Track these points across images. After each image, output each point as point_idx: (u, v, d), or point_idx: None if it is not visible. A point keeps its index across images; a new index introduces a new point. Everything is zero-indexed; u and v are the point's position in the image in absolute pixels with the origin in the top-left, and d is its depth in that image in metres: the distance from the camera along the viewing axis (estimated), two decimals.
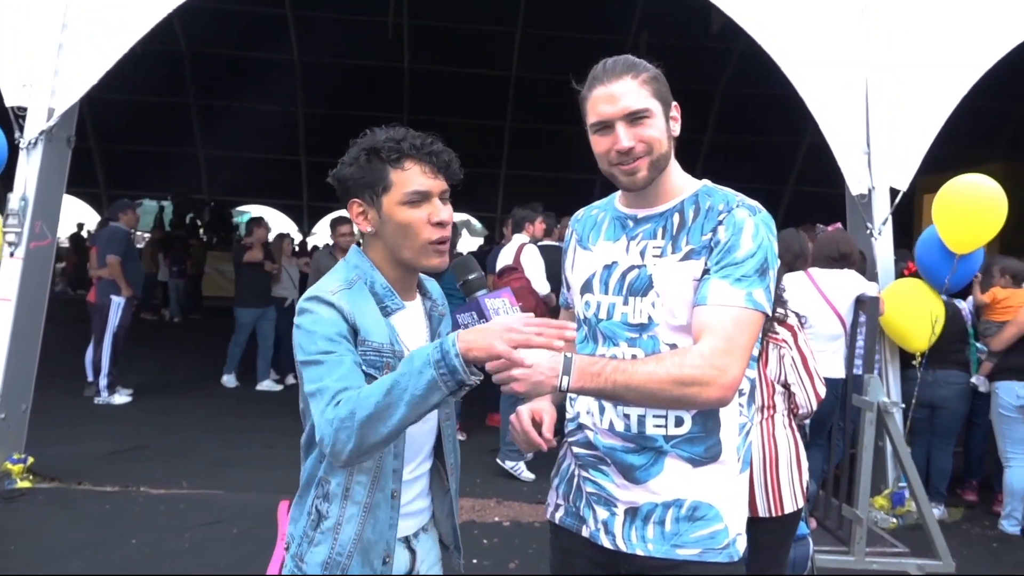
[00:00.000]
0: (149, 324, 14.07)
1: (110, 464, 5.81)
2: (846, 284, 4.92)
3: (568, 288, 2.07)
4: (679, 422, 1.78)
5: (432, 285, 2.02)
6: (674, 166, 1.88)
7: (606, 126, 1.79)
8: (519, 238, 6.51)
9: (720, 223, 1.75)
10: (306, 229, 22.85)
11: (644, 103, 1.76)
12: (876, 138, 5.84)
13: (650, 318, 1.79)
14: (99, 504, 5.02)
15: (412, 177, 1.77)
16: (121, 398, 7.84)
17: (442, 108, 16.55)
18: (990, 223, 5.31)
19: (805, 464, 3.05)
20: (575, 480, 1.94)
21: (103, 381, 7.75)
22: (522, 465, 5.98)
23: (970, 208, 5.30)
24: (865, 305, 4.70)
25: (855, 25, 5.93)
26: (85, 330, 8.09)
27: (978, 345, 5.82)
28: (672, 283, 1.77)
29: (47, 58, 5.37)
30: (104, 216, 9.54)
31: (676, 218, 1.82)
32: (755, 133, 16.95)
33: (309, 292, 1.78)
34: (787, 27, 5.93)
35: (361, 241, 1.96)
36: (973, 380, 5.39)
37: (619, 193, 1.98)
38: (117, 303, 7.79)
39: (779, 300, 3.10)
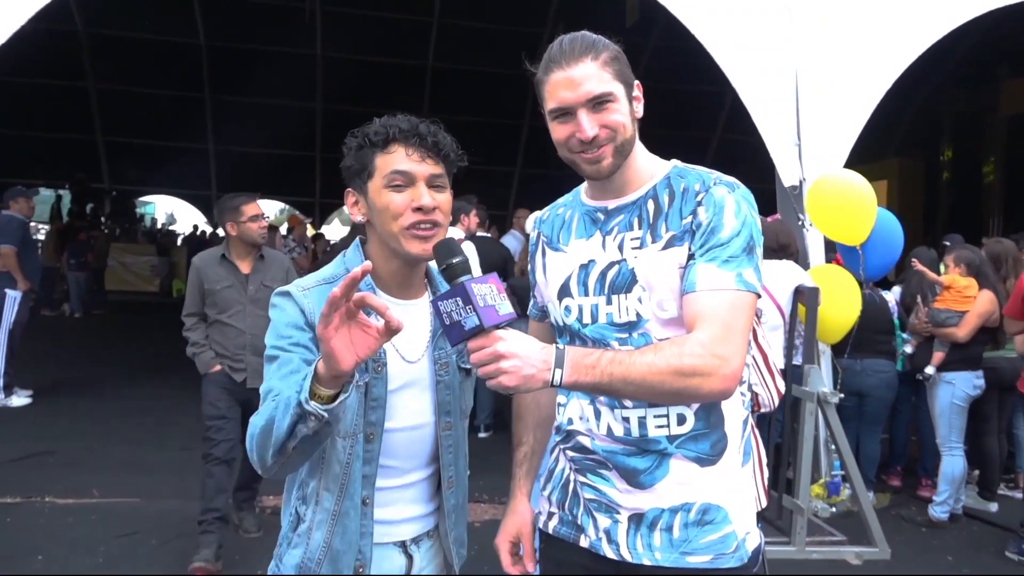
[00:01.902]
0: (49, 320, 13.27)
1: (10, 473, 5.37)
2: (785, 275, 4.92)
3: (540, 296, 1.91)
4: (681, 420, 1.66)
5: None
6: (640, 149, 1.75)
7: (566, 112, 1.64)
8: (452, 231, 6.18)
9: (700, 204, 1.63)
10: (216, 221, 22.05)
11: (606, 87, 1.62)
12: (806, 129, 5.90)
13: (638, 315, 1.66)
14: None
15: (395, 160, 1.66)
16: (20, 400, 7.31)
17: (360, 97, 16.19)
18: (864, 214, 5.33)
19: (766, 462, 2.98)
20: (571, 486, 1.79)
21: None
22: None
23: (842, 203, 5.31)
24: (804, 296, 4.71)
25: (785, 16, 5.96)
26: None
27: (904, 335, 5.94)
28: (657, 275, 1.64)
29: None
30: None
31: (651, 205, 1.69)
32: (669, 127, 17.18)
33: (287, 285, 1.71)
34: (719, 18, 5.93)
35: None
36: (927, 370, 5.41)
37: (584, 186, 1.85)
38: (13, 297, 7.24)
39: None
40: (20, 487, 5.04)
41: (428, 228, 1.66)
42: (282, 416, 1.46)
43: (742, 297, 1.58)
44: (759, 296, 1.63)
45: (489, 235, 7.07)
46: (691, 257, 1.61)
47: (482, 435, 6.73)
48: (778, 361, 4.58)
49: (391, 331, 1.43)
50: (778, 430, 5.16)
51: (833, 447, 5.21)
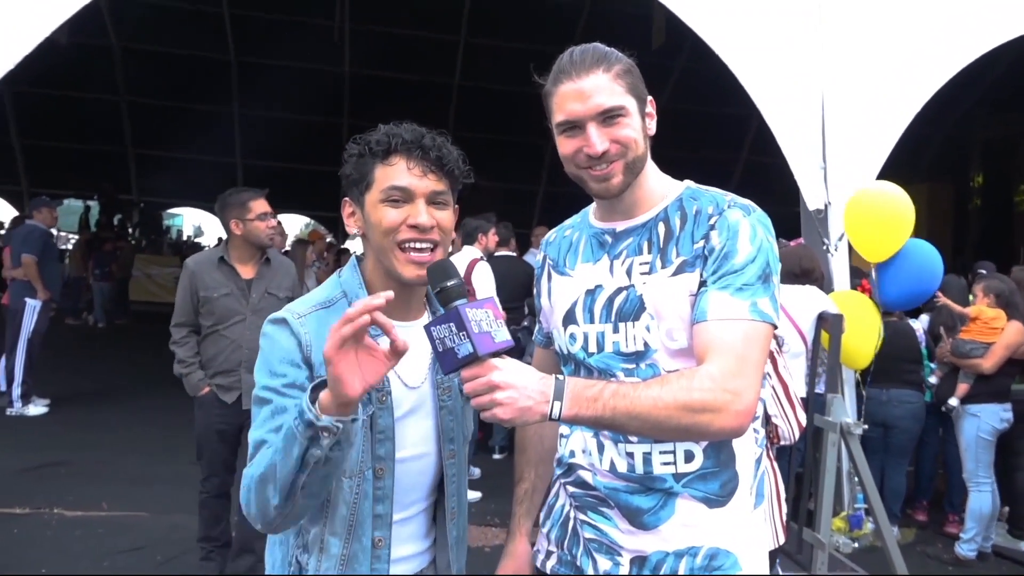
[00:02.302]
0: (72, 329, 13.35)
1: (21, 483, 5.34)
2: (808, 300, 4.79)
3: (546, 322, 1.82)
4: (689, 457, 1.56)
5: None
6: (652, 168, 1.66)
7: (575, 126, 1.56)
8: (470, 251, 5.97)
9: (712, 228, 1.55)
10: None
11: (618, 100, 1.55)
12: (832, 153, 5.78)
13: (646, 344, 1.57)
14: (6, 528, 4.57)
15: (394, 173, 1.56)
16: (36, 409, 7.32)
17: (382, 114, 16.15)
18: (900, 229, 5.19)
19: (784, 497, 2.87)
20: (571, 524, 1.69)
21: (16, 391, 7.21)
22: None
23: (881, 215, 5.18)
24: (828, 323, 4.58)
25: (811, 39, 5.87)
26: (1, 336, 7.53)
27: (931, 366, 5.79)
28: (666, 302, 1.55)
29: None
30: (19, 215, 8.98)
31: (661, 228, 1.61)
32: (694, 149, 17.12)
33: (280, 311, 1.57)
34: (745, 41, 5.84)
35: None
36: (951, 402, 5.27)
37: (592, 207, 1.76)
38: (32, 306, 7.28)
39: None
40: (30, 498, 5.01)
41: (424, 252, 1.56)
42: (287, 448, 1.36)
43: (757, 328, 1.49)
44: (775, 327, 1.53)
45: (513, 254, 6.97)
46: (703, 284, 1.52)
47: (496, 456, 6.63)
48: (799, 390, 4.48)
49: (398, 353, 1.35)
50: (799, 459, 5.01)
51: (856, 479, 5.05)
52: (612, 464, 1.60)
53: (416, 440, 1.63)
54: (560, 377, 1.43)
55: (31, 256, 7.26)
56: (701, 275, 1.53)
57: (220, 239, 5.11)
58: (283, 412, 1.47)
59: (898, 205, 5.10)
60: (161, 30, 16.84)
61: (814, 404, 4.63)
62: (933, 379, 5.69)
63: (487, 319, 1.39)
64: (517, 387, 1.36)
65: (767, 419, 2.86)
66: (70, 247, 17.54)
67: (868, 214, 5.17)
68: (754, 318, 1.49)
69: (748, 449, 1.61)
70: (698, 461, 1.56)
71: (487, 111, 17.43)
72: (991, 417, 5.12)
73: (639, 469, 1.57)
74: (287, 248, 8.70)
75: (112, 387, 8.74)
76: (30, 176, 19.23)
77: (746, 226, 1.54)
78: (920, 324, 5.84)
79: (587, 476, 1.64)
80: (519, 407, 1.36)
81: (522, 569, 1.78)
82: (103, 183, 18.40)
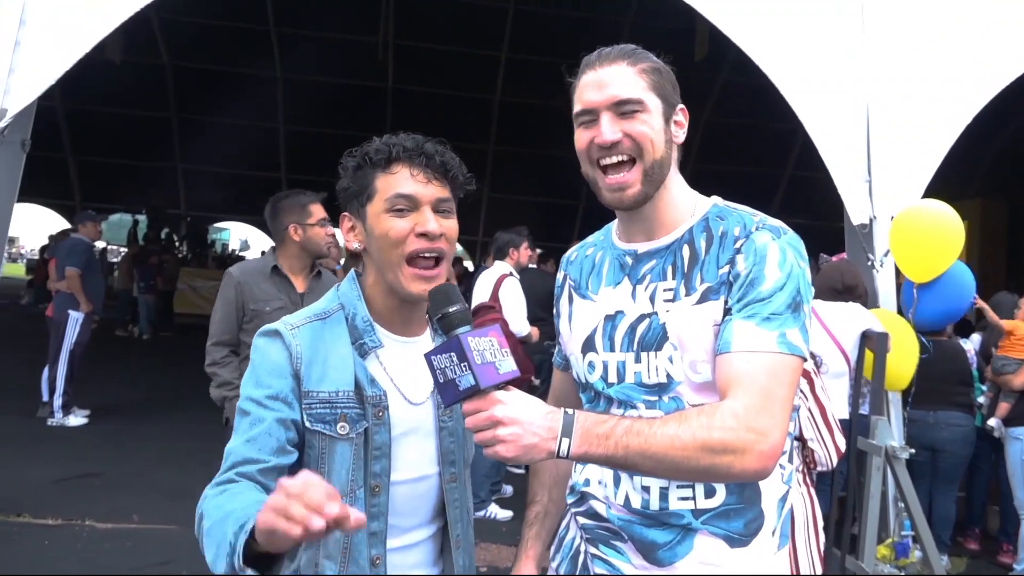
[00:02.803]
0: (117, 341, 13.58)
1: (56, 493, 5.38)
2: (851, 318, 4.62)
3: (564, 346, 1.71)
4: (710, 492, 1.44)
5: None
6: (677, 182, 1.55)
7: (591, 116, 1.47)
8: (500, 266, 5.80)
9: (738, 252, 1.43)
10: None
11: (636, 93, 1.45)
12: (878, 166, 5.60)
13: (669, 376, 1.45)
14: (38, 539, 4.59)
15: (397, 181, 1.49)
16: (76, 420, 7.40)
17: (426, 129, 16.19)
18: (949, 250, 4.98)
19: (821, 524, 2.73)
20: (581, 558, 1.59)
21: (57, 401, 7.31)
22: (494, 507, 5.61)
23: (929, 235, 4.98)
24: (873, 341, 4.40)
25: (856, 50, 5.71)
26: (46, 347, 7.61)
27: (983, 387, 5.56)
28: (689, 332, 1.44)
29: (2, 56, 5.01)
30: (65, 228, 9.18)
31: (686, 251, 1.49)
32: (737, 163, 16.88)
33: (275, 323, 1.52)
34: (788, 53, 5.71)
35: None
36: (990, 423, 5.07)
37: (615, 224, 1.65)
38: (75, 318, 7.38)
39: None
40: (62, 509, 5.03)
41: (431, 266, 1.49)
42: (218, 552, 1.25)
43: (784, 361, 1.37)
44: (805, 360, 1.41)
45: (545, 269, 6.86)
46: (727, 312, 1.41)
47: (519, 471, 6.50)
48: (841, 412, 4.31)
49: (346, 527, 1.15)
50: (842, 483, 4.82)
51: (902, 505, 4.84)
52: (627, 498, 1.49)
53: (415, 461, 1.55)
54: (569, 411, 1.32)
55: (74, 269, 7.37)
56: (726, 303, 1.42)
57: (264, 252, 5.04)
58: (258, 424, 1.43)
59: (948, 225, 4.90)
60: (210, 48, 17.18)
61: (857, 426, 4.46)
62: (983, 400, 5.46)
63: (491, 348, 1.30)
64: (522, 423, 1.27)
65: (803, 443, 2.73)
66: (118, 260, 17.92)
67: (916, 233, 4.97)
68: (782, 351, 1.37)
69: (774, 487, 1.49)
70: (719, 497, 1.44)
71: (528, 127, 17.43)
72: None
73: (654, 505, 1.46)
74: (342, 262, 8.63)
75: (152, 399, 8.83)
76: (83, 191, 19.73)
77: (775, 250, 1.42)
78: (971, 344, 5.62)
79: (600, 508, 1.54)
80: (523, 444, 1.27)
81: None
82: (152, 198, 18.79)
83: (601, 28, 15.35)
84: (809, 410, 2.72)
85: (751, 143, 16.35)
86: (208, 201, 20.46)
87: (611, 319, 1.54)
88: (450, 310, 1.34)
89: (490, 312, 5.42)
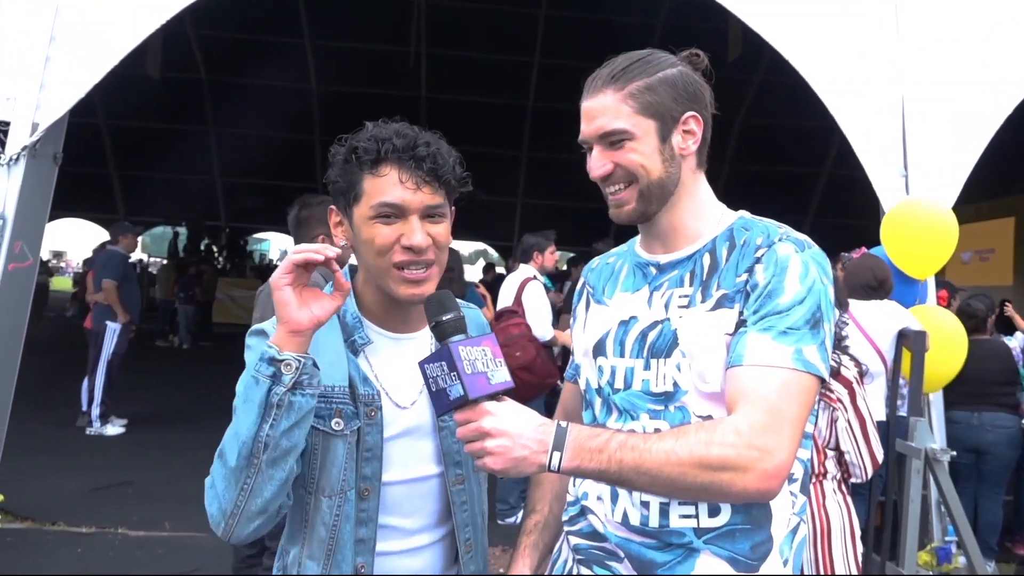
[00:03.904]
0: (157, 351, 13.80)
1: (90, 502, 5.45)
2: (886, 316, 4.49)
3: (574, 354, 1.66)
4: (714, 511, 1.36)
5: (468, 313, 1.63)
6: (696, 193, 1.49)
7: (588, 146, 1.47)
8: (525, 270, 5.69)
9: (758, 261, 1.36)
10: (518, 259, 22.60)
11: (620, 123, 1.41)
12: (914, 160, 5.45)
13: (676, 384, 1.39)
14: (71, 547, 4.65)
15: (384, 186, 1.42)
16: (114, 429, 7.50)
17: (458, 136, 16.31)
18: (942, 247, 4.81)
19: (859, 534, 2.63)
20: None
21: (95, 411, 7.42)
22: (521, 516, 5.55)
23: (920, 231, 4.83)
24: (910, 340, 4.27)
25: (890, 42, 5.58)
26: (86, 357, 7.74)
27: None
28: (700, 340, 1.37)
29: (33, 71, 5.11)
30: (103, 241, 9.38)
31: (707, 259, 1.43)
32: (774, 164, 16.65)
33: (263, 323, 1.49)
34: (820, 45, 5.59)
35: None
36: None
37: (640, 236, 1.60)
38: (112, 329, 7.50)
39: (836, 340, 2.65)
40: (96, 517, 5.10)
41: (419, 269, 1.43)
42: (248, 397, 1.32)
43: (798, 379, 1.29)
44: (822, 380, 1.33)
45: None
46: (742, 323, 1.34)
47: None
48: (877, 414, 4.18)
49: (343, 292, 1.39)
50: (880, 487, 4.69)
51: (945, 510, 4.69)
52: (625, 515, 1.42)
53: (413, 461, 1.50)
54: (563, 424, 1.27)
55: (111, 281, 7.49)
56: (741, 313, 1.35)
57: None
58: None
59: (940, 221, 4.75)
60: (246, 62, 17.43)
61: (896, 428, 4.33)
62: None
63: (483, 358, 1.26)
64: (511, 435, 1.23)
65: (840, 454, 2.64)
66: (158, 271, 18.26)
67: (906, 230, 4.83)
68: (797, 367, 1.29)
69: (784, 513, 1.40)
70: (724, 516, 1.36)
71: (562, 132, 17.37)
72: None
73: (654, 522, 1.39)
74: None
75: (189, 408, 8.92)
76: (126, 204, 20.13)
77: (796, 263, 1.35)
78: (1017, 342, 5.43)
79: (598, 524, 1.47)
80: (512, 457, 1.23)
81: None
82: (191, 210, 19.11)
83: (633, 31, 15.27)
84: (848, 422, 2.63)
85: (788, 143, 16.10)
86: (247, 212, 20.75)
87: (624, 324, 1.49)
88: (443, 319, 1.30)
89: (512, 317, 5.33)
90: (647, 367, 1.42)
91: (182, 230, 20.03)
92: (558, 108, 17.09)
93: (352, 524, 1.44)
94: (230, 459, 1.34)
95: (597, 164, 1.44)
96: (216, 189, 20.55)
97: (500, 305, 5.56)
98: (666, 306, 1.44)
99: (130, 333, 7.75)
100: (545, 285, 6.01)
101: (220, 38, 16.44)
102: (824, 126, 8.76)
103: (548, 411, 1.73)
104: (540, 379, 5.21)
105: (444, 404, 1.27)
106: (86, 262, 19.50)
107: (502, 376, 1.27)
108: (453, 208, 1.53)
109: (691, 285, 1.43)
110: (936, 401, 5.24)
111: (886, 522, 4.46)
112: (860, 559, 2.66)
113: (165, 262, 18.86)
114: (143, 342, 8.43)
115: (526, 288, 5.48)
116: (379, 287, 1.48)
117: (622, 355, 1.47)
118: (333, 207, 1.52)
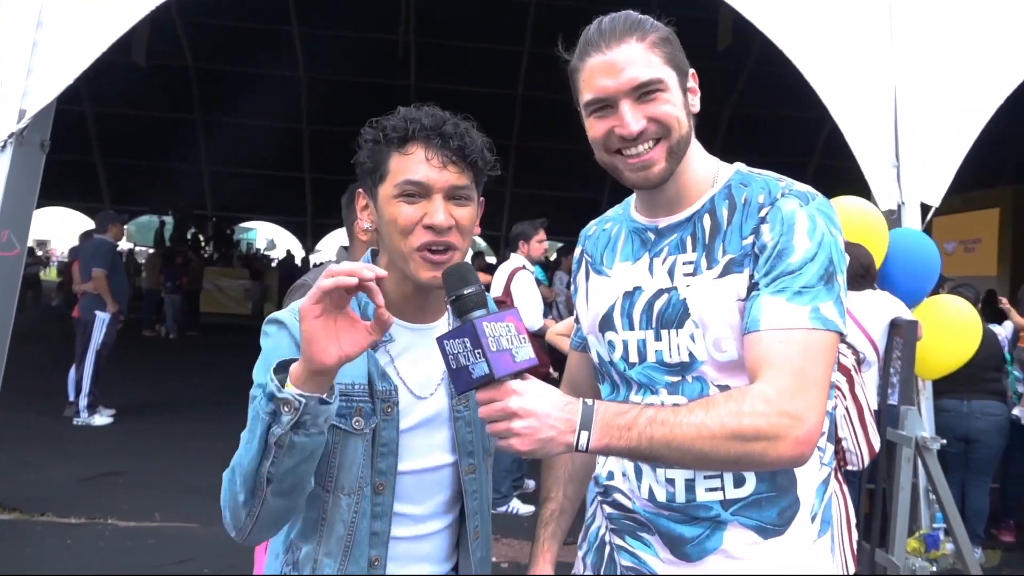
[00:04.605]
0: (144, 341, 13.72)
1: (79, 492, 5.40)
2: (878, 306, 4.50)
3: (581, 325, 1.62)
4: (739, 482, 1.35)
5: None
6: (697, 151, 1.44)
7: (606, 105, 1.36)
8: (515, 259, 5.60)
9: (763, 221, 1.32)
10: (310, 246, 22.63)
11: (655, 72, 1.33)
12: (906, 151, 5.46)
13: (691, 355, 1.36)
14: (60, 538, 4.61)
15: (410, 164, 1.38)
16: (102, 419, 7.45)
17: None
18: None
19: (855, 522, 2.63)
20: (607, 550, 1.51)
21: (83, 401, 7.36)
22: (516, 502, 5.55)
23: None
24: (902, 329, 4.28)
25: (882, 34, 5.58)
26: (73, 347, 7.68)
27: (1016, 373, 5.41)
28: (712, 308, 1.34)
29: (20, 57, 5.04)
30: (89, 230, 9.28)
31: (707, 221, 1.39)
32: (763, 154, 16.65)
33: (282, 311, 1.46)
34: (813, 37, 5.58)
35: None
36: (1015, 412, 4.94)
37: (633, 197, 1.55)
38: (102, 319, 7.43)
39: None
40: (86, 508, 5.05)
41: (440, 251, 1.39)
42: (252, 430, 1.24)
43: (819, 338, 1.27)
44: (842, 336, 1.31)
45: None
46: (754, 287, 1.31)
47: None
48: (871, 403, 4.19)
49: (383, 326, 1.23)
50: (867, 475, 4.71)
51: (934, 497, 4.72)
52: (651, 492, 1.41)
53: (428, 451, 1.49)
54: (589, 402, 1.24)
55: (101, 270, 7.41)
56: (751, 276, 1.32)
57: (344, 247, 4.92)
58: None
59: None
60: (233, 49, 17.30)
61: (887, 417, 4.35)
62: (1018, 411, 5.31)
63: (508, 334, 1.22)
64: (538, 415, 1.19)
65: (837, 441, 2.64)
66: (145, 261, 18.16)
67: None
68: (815, 326, 1.27)
69: (812, 470, 1.39)
70: (750, 486, 1.35)
71: (552, 121, 17.35)
72: None
73: (680, 497, 1.38)
74: None
75: (177, 398, 8.88)
76: (111, 193, 19.98)
77: (803, 218, 1.31)
78: (1004, 330, 5.47)
79: (626, 501, 1.47)
80: (539, 438, 1.19)
81: None
82: (178, 198, 18.99)
83: None
84: (846, 410, 2.63)
85: (777, 132, 16.14)
86: (233, 201, 20.64)
87: (629, 296, 1.45)
88: (465, 292, 1.25)
89: (501, 308, 5.29)
90: (658, 337, 1.40)
91: (168, 219, 19.87)
92: (548, 97, 17.13)
93: (368, 519, 1.42)
94: (237, 486, 1.28)
95: (634, 120, 1.33)
96: (203, 178, 20.42)
97: (491, 295, 5.51)
98: (670, 273, 1.41)
99: (119, 323, 7.69)
100: (537, 279, 5.96)
101: (207, 25, 16.29)
102: (813, 116, 8.74)
103: None
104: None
105: (466, 382, 1.22)
106: (72, 251, 19.38)
107: (526, 353, 1.23)
108: (482, 199, 1.50)
109: (694, 250, 1.39)
110: (926, 390, 5.28)
111: (875, 509, 4.48)
112: (855, 546, 2.67)
113: (152, 251, 18.74)
114: (130, 332, 8.37)
115: (515, 278, 5.42)
116: (401, 273, 1.44)
117: (631, 328, 1.44)
118: (361, 190, 1.49)
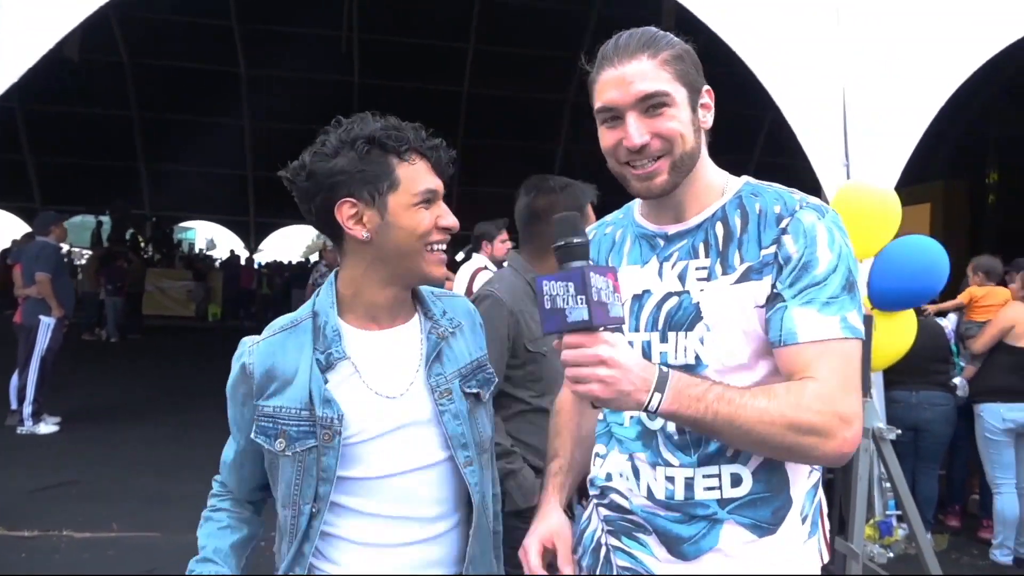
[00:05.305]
0: (85, 345, 13.31)
1: (30, 504, 5.23)
2: None
3: None
4: (736, 481, 1.41)
5: (446, 302, 1.70)
6: (707, 164, 1.51)
7: (615, 116, 1.41)
8: (476, 259, 5.62)
9: (784, 232, 1.38)
10: (253, 246, 22.24)
11: (661, 86, 1.38)
12: (855, 150, 5.63)
13: (698, 358, 1.41)
14: (14, 552, 4.45)
15: (421, 174, 1.50)
16: (47, 427, 7.22)
17: None
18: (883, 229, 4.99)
19: (826, 511, 2.71)
20: (603, 551, 1.54)
21: (27, 409, 7.11)
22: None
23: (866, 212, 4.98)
24: None
25: (831, 33, 5.72)
26: (11, 354, 7.44)
27: (960, 363, 5.62)
28: (727, 313, 1.39)
29: None
30: (28, 232, 8.97)
31: (719, 229, 1.45)
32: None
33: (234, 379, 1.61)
34: (764, 36, 5.70)
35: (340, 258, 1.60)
36: (955, 381, 5.16)
37: (638, 203, 1.60)
38: (46, 324, 7.20)
39: None
40: (38, 520, 4.89)
41: (445, 250, 1.54)
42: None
43: (851, 347, 1.35)
44: (864, 342, 1.39)
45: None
46: (777, 297, 1.36)
47: None
48: None
49: None
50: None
51: (887, 485, 4.88)
52: (649, 490, 1.45)
53: (414, 450, 1.52)
54: (664, 368, 1.30)
55: (45, 274, 7.18)
56: (773, 287, 1.37)
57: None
58: (235, 445, 1.63)
59: (883, 201, 4.91)
60: (170, 44, 16.90)
61: None
62: (958, 380, 5.51)
63: (607, 289, 1.27)
64: (624, 367, 1.25)
65: None
66: (82, 263, 17.60)
67: (853, 212, 4.98)
68: (846, 335, 1.34)
69: (803, 474, 1.45)
70: (746, 486, 1.41)
71: (498, 118, 17.38)
72: (992, 417, 5.04)
73: (679, 495, 1.42)
74: None
75: (124, 403, 8.64)
76: (43, 193, 19.33)
77: (823, 231, 1.37)
78: (948, 323, 5.67)
79: (623, 501, 1.51)
80: (620, 389, 1.25)
81: (561, 528, 1.59)
82: (115, 198, 18.47)
83: (567, 18, 15.33)
84: None
85: (719, 130, 16.38)
86: (173, 201, 20.16)
87: (638, 299, 1.50)
88: (575, 240, 1.29)
89: None
90: (664, 339, 1.45)
91: (105, 219, 19.29)
92: (494, 94, 17.18)
93: (300, 538, 1.51)
94: None
95: (637, 132, 1.39)
96: (140, 176, 19.90)
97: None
98: (681, 278, 1.45)
99: (64, 327, 7.46)
100: None
101: (142, 19, 15.85)
102: (752, 114, 8.90)
103: None
104: None
105: (557, 323, 1.26)
106: (3, 253, 18.69)
107: (619, 311, 1.29)
108: None
109: (707, 256, 1.44)
110: (877, 381, 5.45)
111: (834, 498, 4.62)
112: (828, 538, 2.74)
113: (89, 252, 18.19)
114: (69, 336, 8.11)
115: (477, 278, 5.42)
116: (388, 277, 1.52)
117: (637, 329, 1.49)
118: (348, 198, 1.48)
